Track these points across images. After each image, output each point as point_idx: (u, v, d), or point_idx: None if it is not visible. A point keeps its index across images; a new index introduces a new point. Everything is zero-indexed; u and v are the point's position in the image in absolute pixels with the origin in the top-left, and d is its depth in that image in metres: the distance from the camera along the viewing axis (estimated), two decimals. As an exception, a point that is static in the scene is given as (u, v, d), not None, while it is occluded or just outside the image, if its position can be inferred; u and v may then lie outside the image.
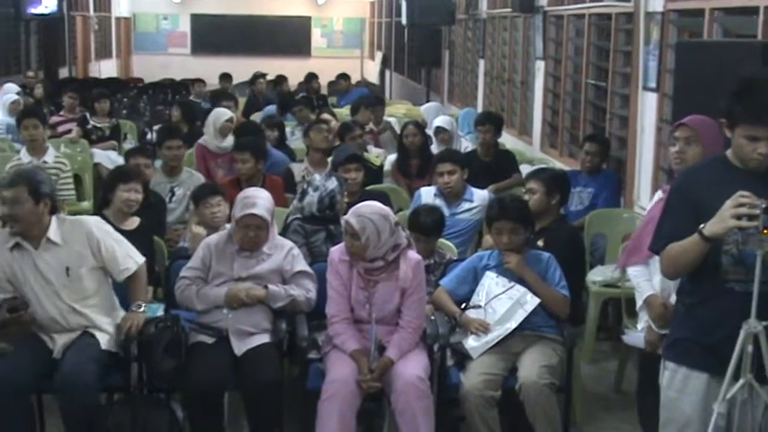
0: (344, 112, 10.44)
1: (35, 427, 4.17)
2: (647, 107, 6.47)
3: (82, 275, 4.17)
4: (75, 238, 4.19)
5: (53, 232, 4.15)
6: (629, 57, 6.94)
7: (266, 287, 4.32)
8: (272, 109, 10.48)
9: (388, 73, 20.90)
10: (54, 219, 4.19)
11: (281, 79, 14.26)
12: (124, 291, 4.38)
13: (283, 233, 4.82)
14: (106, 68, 24.03)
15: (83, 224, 4.27)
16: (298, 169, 6.57)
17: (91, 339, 4.14)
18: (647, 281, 4.12)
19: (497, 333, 4.27)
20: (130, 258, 4.30)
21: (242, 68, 16.88)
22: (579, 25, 8.35)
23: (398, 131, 8.67)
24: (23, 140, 7.09)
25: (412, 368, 4.04)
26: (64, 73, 19.81)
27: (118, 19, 26.65)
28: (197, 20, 27.95)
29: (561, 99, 8.84)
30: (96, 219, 4.43)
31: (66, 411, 3.98)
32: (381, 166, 7.25)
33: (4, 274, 4.15)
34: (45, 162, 6.77)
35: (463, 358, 4.29)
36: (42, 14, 17.96)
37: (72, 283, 4.15)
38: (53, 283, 4.13)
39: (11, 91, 10.57)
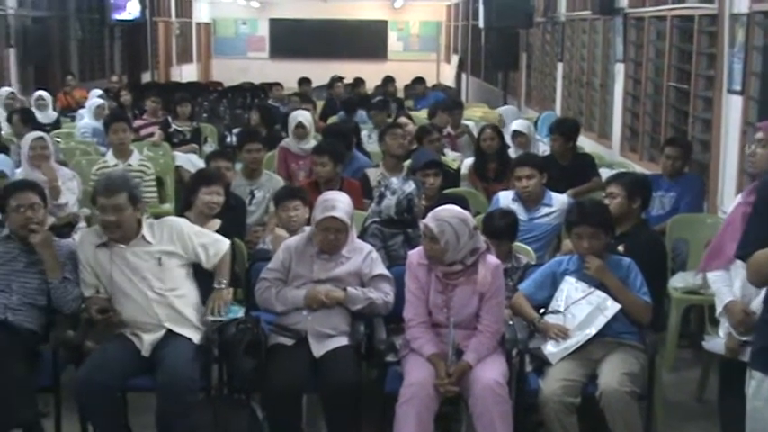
0: (421, 115, 10.43)
1: (121, 425, 4.26)
2: (732, 110, 6.33)
3: (172, 266, 4.33)
4: (164, 237, 4.36)
5: (146, 231, 4.32)
6: (713, 59, 6.80)
7: (345, 289, 4.35)
8: (343, 114, 10.51)
9: (464, 76, 20.88)
10: (144, 220, 4.36)
11: (358, 82, 14.35)
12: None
13: (361, 236, 4.85)
14: (187, 73, 24.51)
15: (171, 223, 4.46)
16: (373, 174, 6.57)
17: (182, 338, 4.24)
18: (728, 286, 4.04)
19: (577, 339, 4.24)
20: (219, 242, 4.48)
21: (319, 72, 17.03)
22: (661, 27, 8.22)
23: (476, 135, 8.66)
24: (112, 144, 7.25)
25: (490, 372, 4.02)
26: (146, 77, 20.26)
27: (198, 24, 27.16)
28: (275, 24, 28.30)
29: (642, 102, 8.70)
30: (181, 218, 4.60)
31: (165, 410, 4.06)
32: (458, 170, 7.23)
33: (91, 268, 4.31)
34: (130, 165, 6.94)
35: (542, 364, 4.26)
36: (126, 20, 18.40)
37: (163, 272, 4.30)
38: (143, 273, 4.26)
39: (96, 95, 10.86)
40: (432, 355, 4.10)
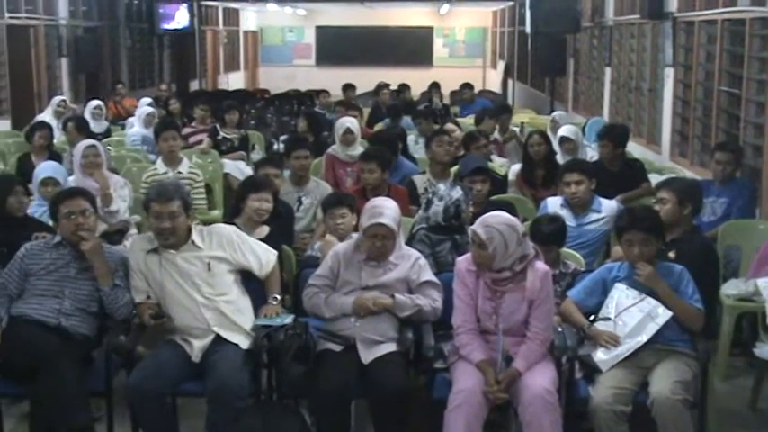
0: (468, 122, 10.41)
1: (173, 429, 4.29)
2: (785, 114, 6.25)
3: (222, 272, 4.38)
4: (214, 243, 4.43)
5: (197, 237, 4.39)
6: (765, 63, 6.71)
7: (393, 296, 4.35)
8: (388, 122, 10.50)
9: (510, 82, 20.80)
10: (193, 226, 4.42)
11: (402, 88, 14.35)
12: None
13: (409, 243, 4.85)
14: (234, 80, 24.73)
15: (221, 230, 4.53)
16: (420, 181, 6.56)
17: (231, 344, 4.26)
18: (779, 293, 3.97)
19: (628, 346, 4.19)
20: (269, 252, 4.57)
21: (365, 79, 17.07)
22: (711, 31, 8.13)
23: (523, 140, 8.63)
24: (162, 152, 7.32)
25: (540, 380, 4.00)
26: (194, 85, 20.46)
27: (245, 32, 27.38)
28: (322, 32, 28.41)
29: (692, 107, 8.61)
30: (231, 226, 4.66)
31: (215, 416, 4.09)
32: (505, 176, 7.20)
33: (142, 274, 4.37)
34: (179, 172, 7.01)
35: (592, 371, 4.22)
36: (175, 29, 18.62)
37: (213, 278, 4.35)
38: (193, 277, 4.32)
39: (145, 104, 11.00)
40: (481, 362, 4.09)
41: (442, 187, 5.06)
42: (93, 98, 11.67)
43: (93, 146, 6.51)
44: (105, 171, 6.42)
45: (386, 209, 4.41)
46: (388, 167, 6.19)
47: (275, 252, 4.63)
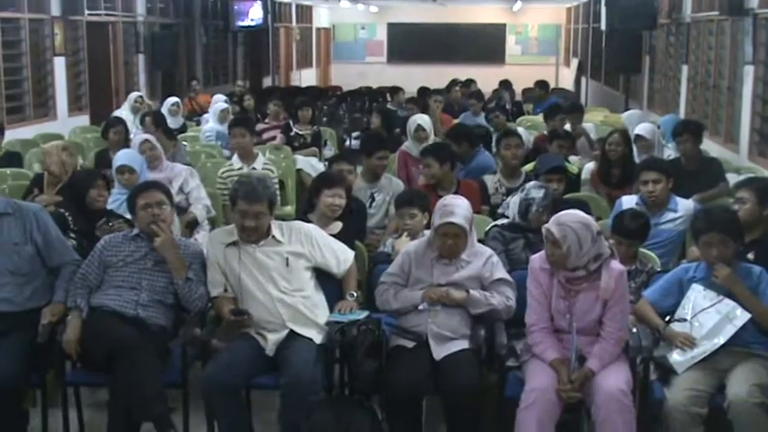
0: (540, 120, 10.34)
1: (247, 422, 4.34)
2: None
3: (299, 268, 4.44)
4: (294, 238, 4.49)
5: (276, 231, 4.45)
6: None
7: (468, 291, 4.34)
8: (467, 115, 10.51)
9: (583, 80, 20.59)
10: (273, 221, 4.47)
11: (468, 82, 14.30)
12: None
13: (482, 239, 4.84)
14: (306, 77, 24.93)
15: (301, 227, 4.59)
16: (491, 181, 6.51)
17: (305, 338, 4.30)
18: None
19: (704, 348, 4.13)
20: (347, 251, 4.63)
21: (436, 76, 17.09)
22: (793, 28, 7.94)
23: (593, 138, 8.52)
24: (234, 148, 7.40)
25: (614, 380, 3.95)
26: (267, 82, 20.67)
27: (318, 29, 27.58)
28: (393, 29, 28.50)
29: (772, 105, 8.43)
30: (311, 224, 4.73)
31: (288, 409, 4.13)
32: (578, 175, 7.12)
33: (219, 267, 4.43)
34: (254, 168, 7.06)
35: (667, 373, 4.17)
36: (249, 26, 18.83)
37: (290, 273, 4.40)
38: (270, 272, 4.37)
39: (220, 100, 11.14)
40: (554, 361, 4.06)
41: (530, 184, 5.09)
42: (171, 95, 11.85)
43: (146, 140, 6.61)
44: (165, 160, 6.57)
45: (457, 207, 4.39)
46: (447, 160, 6.13)
47: (352, 251, 4.67)
